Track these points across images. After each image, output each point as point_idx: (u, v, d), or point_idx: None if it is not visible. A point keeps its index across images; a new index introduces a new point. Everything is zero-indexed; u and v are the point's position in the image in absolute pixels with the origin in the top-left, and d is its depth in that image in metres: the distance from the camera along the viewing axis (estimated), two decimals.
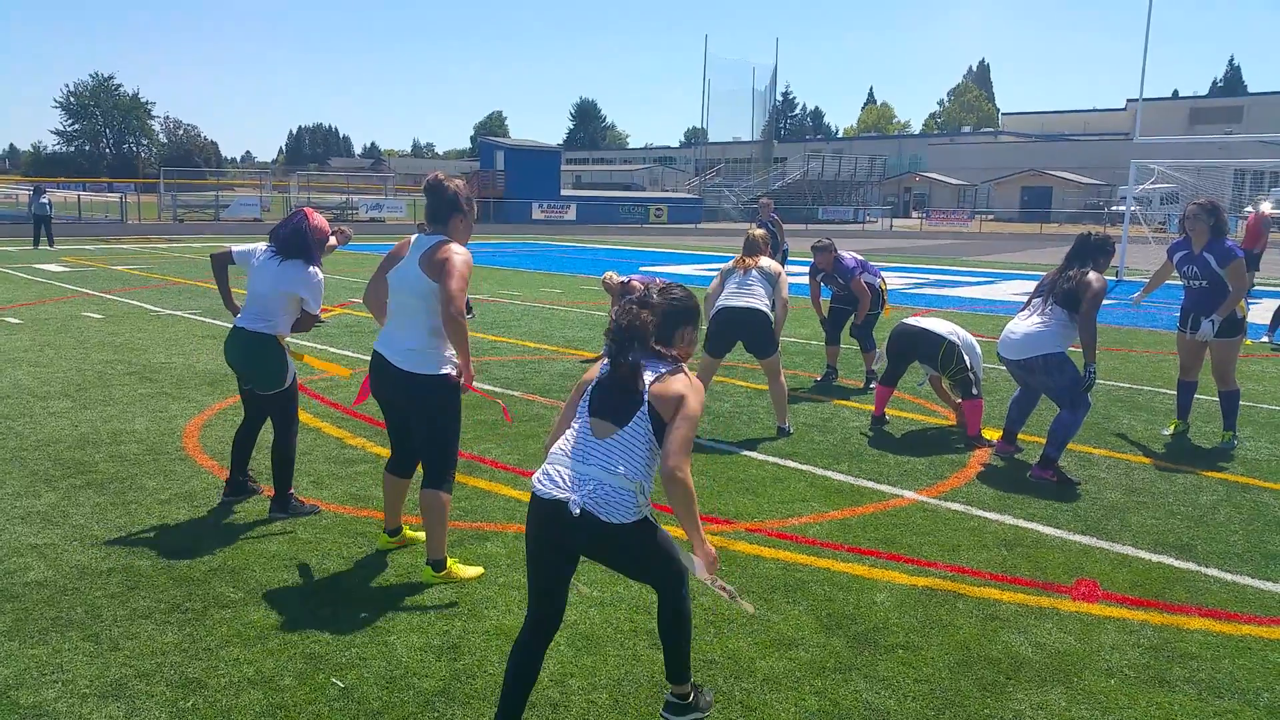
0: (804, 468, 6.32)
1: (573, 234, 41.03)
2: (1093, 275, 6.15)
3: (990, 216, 63.47)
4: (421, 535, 4.79)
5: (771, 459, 6.49)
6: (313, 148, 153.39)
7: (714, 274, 7.66)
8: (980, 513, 5.47)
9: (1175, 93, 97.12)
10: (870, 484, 5.98)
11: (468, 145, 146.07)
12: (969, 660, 3.71)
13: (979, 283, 21.04)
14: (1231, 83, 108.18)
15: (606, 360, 3.06)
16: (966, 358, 7.05)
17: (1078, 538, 5.09)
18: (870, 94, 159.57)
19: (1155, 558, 4.82)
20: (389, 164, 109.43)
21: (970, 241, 41.68)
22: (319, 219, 5.20)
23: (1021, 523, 5.32)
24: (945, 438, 7.20)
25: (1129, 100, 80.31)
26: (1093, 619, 4.10)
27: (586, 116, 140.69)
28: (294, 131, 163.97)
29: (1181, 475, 6.28)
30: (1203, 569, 4.67)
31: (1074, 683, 3.56)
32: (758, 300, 7.03)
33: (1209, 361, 7.20)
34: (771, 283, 7.15)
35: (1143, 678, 3.61)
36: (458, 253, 4.20)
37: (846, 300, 9.48)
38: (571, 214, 50.12)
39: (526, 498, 5.56)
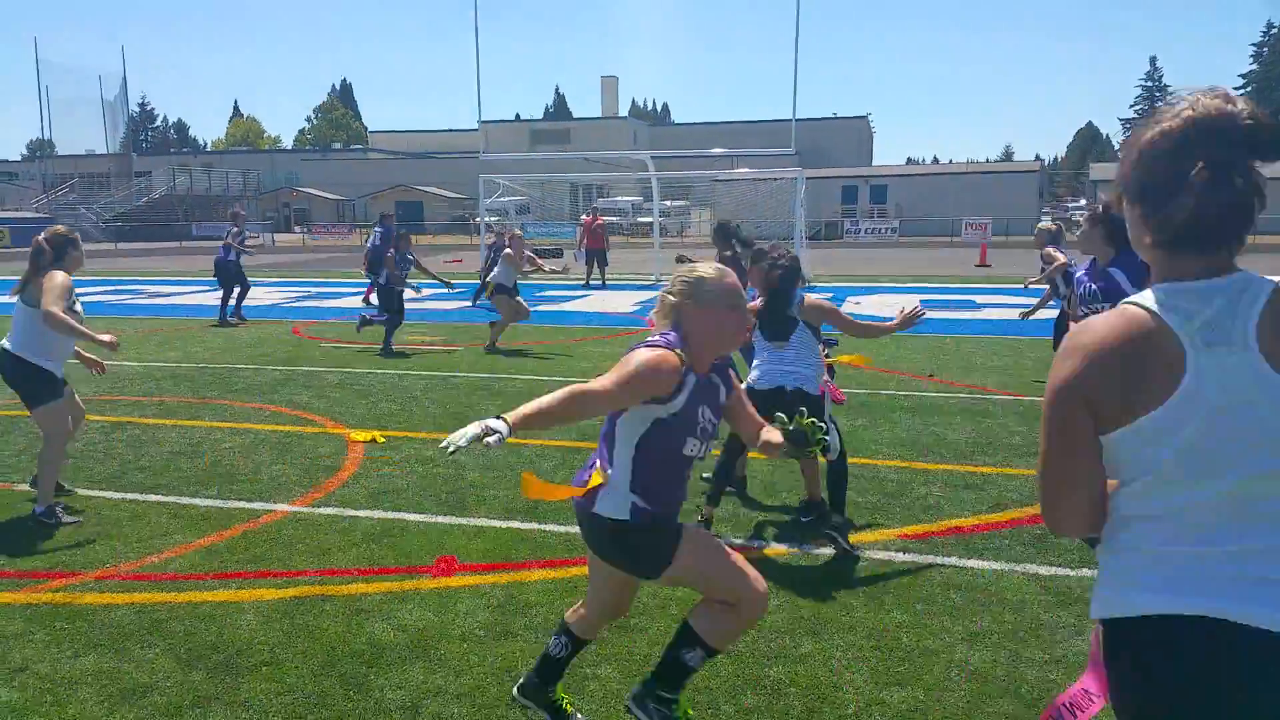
0: (168, 499, 5.85)
1: None
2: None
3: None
4: None
5: (129, 495, 5.89)
6: None
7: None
8: (352, 512, 5.58)
9: (518, 115, 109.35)
10: (240, 504, 5.74)
11: None
12: (334, 659, 3.76)
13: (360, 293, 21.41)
14: (560, 110, 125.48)
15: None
16: None
17: (440, 519, 5.46)
18: (236, 107, 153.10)
19: (505, 524, 5.37)
20: None
21: (355, 254, 42.19)
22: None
23: (390, 514, 5.54)
24: (316, 447, 7.15)
25: (481, 121, 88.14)
26: (450, 591, 4.43)
27: None
28: None
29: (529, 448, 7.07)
30: (542, 526, 5.31)
31: (431, 654, 3.81)
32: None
33: None
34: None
35: (490, 634, 3.99)
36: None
37: None
38: None
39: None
